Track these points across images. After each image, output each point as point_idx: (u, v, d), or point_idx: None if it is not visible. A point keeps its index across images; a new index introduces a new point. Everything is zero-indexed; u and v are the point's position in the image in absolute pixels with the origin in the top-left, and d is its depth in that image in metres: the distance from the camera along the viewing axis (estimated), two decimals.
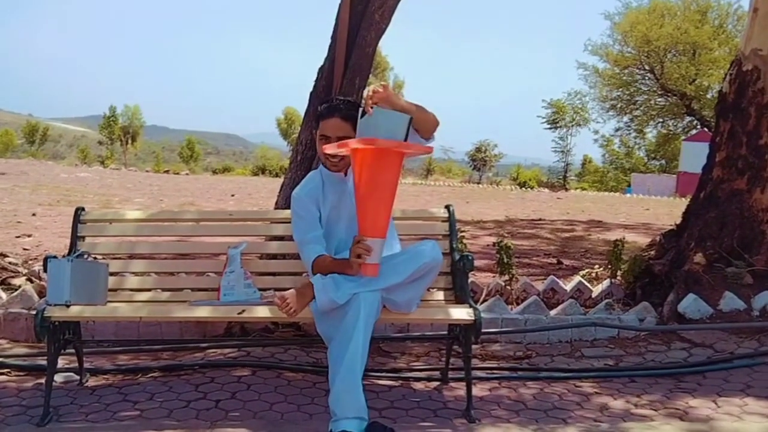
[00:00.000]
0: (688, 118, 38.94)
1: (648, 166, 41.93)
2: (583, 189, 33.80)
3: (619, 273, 5.32)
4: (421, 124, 2.98)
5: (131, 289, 3.64)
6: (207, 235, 4.13)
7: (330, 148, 2.98)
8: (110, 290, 3.46)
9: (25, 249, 6.63)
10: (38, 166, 22.98)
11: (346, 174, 3.21)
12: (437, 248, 3.13)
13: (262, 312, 3.20)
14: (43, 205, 11.43)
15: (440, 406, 3.39)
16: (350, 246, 2.96)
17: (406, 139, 2.87)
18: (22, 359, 3.91)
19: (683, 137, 35.42)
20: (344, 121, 3.10)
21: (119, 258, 3.84)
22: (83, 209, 3.64)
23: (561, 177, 42.32)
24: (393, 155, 2.83)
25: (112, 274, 3.52)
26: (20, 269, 5.30)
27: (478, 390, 3.56)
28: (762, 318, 4.51)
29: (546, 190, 28.46)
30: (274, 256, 3.91)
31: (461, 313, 3.17)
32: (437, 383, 3.71)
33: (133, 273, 3.73)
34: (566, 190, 31.96)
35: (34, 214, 9.91)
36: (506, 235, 5.75)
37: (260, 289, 3.50)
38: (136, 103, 50.55)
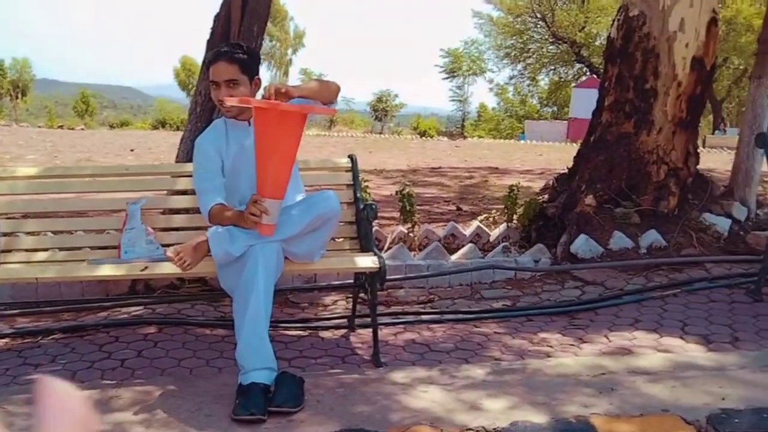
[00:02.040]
0: (578, 66, 40.15)
1: (541, 114, 43.12)
2: (480, 137, 34.46)
3: (515, 217, 5.48)
4: (325, 98, 3.06)
5: (27, 250, 3.49)
6: (105, 192, 3.97)
7: (232, 101, 2.90)
8: (4, 251, 3.34)
9: None
10: None
11: (250, 124, 3.13)
12: (334, 198, 3.08)
13: (166, 268, 3.13)
14: None
15: (348, 353, 3.47)
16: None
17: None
18: None
19: (573, 84, 36.55)
20: (230, 63, 3.05)
21: (12, 218, 3.68)
22: None
23: (459, 126, 42.97)
24: (296, 118, 2.79)
25: (4, 234, 3.38)
26: None
27: (384, 335, 3.64)
28: (649, 255, 4.75)
29: (445, 138, 28.85)
30: (177, 211, 3.84)
31: (366, 261, 3.21)
32: (344, 331, 3.77)
33: (27, 233, 3.58)
34: (464, 138, 32.51)
35: None
36: (408, 183, 5.84)
37: (163, 245, 3.41)
38: (24, 56, 47.60)
